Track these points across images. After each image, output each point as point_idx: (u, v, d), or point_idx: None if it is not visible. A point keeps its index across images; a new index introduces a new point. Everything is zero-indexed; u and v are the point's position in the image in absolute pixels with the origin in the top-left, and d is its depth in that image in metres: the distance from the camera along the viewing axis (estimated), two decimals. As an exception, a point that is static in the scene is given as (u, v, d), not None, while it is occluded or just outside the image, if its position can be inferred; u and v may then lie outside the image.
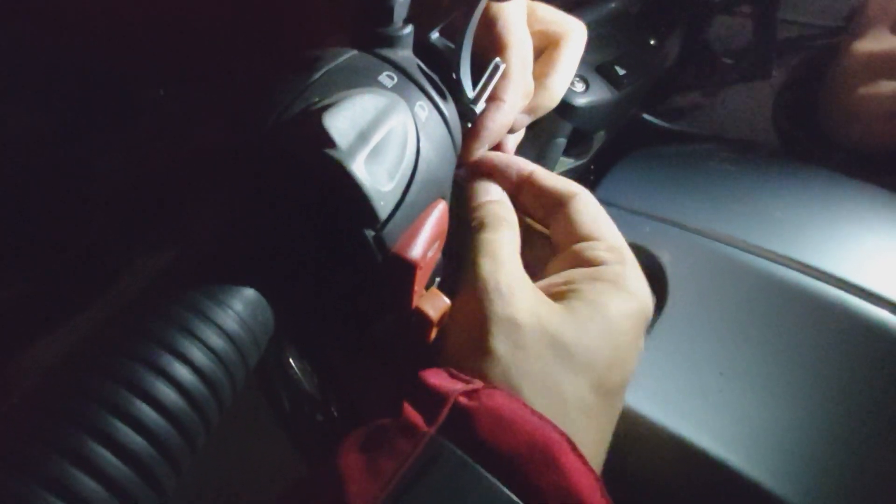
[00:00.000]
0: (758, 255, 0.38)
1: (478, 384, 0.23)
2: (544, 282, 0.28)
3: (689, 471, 0.32)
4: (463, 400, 0.22)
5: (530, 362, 0.24)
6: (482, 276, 0.25)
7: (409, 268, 0.22)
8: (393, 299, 0.23)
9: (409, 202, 0.22)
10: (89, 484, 0.15)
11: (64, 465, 0.15)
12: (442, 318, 0.26)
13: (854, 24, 0.44)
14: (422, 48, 0.27)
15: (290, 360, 0.59)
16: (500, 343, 0.24)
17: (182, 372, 0.17)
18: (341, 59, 0.23)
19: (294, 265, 0.21)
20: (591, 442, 0.24)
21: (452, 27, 0.29)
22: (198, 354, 0.18)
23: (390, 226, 0.21)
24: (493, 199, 0.30)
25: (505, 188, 0.31)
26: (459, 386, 0.23)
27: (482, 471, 0.20)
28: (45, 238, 0.35)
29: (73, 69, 0.34)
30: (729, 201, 0.42)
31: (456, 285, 0.27)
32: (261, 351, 0.20)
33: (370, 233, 0.21)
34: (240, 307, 0.19)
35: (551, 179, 0.31)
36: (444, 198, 0.24)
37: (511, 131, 0.33)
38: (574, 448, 0.22)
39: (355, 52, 0.24)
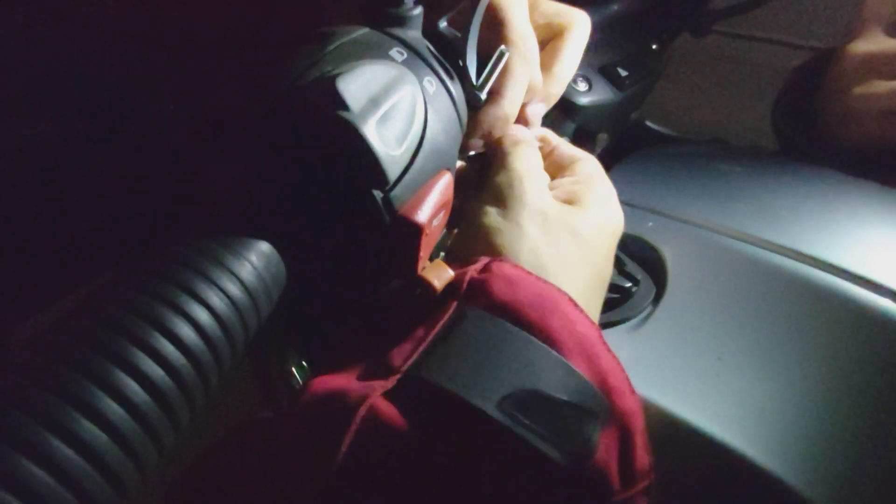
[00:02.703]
0: (756, 246, 0.39)
1: (485, 260, 0.27)
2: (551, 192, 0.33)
3: (687, 451, 0.33)
4: (477, 275, 0.26)
5: (557, 245, 0.29)
6: (518, 171, 0.30)
7: (416, 230, 0.23)
8: (398, 263, 0.24)
9: (417, 168, 0.23)
10: (112, 407, 0.16)
11: (88, 388, 0.16)
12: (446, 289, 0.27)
13: (849, 25, 0.45)
14: (430, 36, 0.29)
15: (294, 370, 0.60)
16: (531, 226, 0.29)
17: (199, 312, 0.18)
18: (354, 35, 0.24)
19: (306, 222, 0.22)
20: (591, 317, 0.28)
21: (460, 17, 0.30)
22: (214, 298, 0.19)
23: (398, 189, 0.22)
24: (529, 137, 0.34)
25: None
26: (472, 267, 0.26)
27: (501, 320, 0.24)
28: (55, 255, 0.36)
29: (86, 80, 0.36)
30: (729, 196, 0.43)
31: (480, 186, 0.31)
32: (272, 304, 0.21)
33: (378, 193, 0.22)
34: (254, 258, 0.20)
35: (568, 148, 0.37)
36: (449, 170, 0.26)
37: (529, 124, 0.35)
38: (576, 304, 0.26)
39: (367, 29, 0.25)
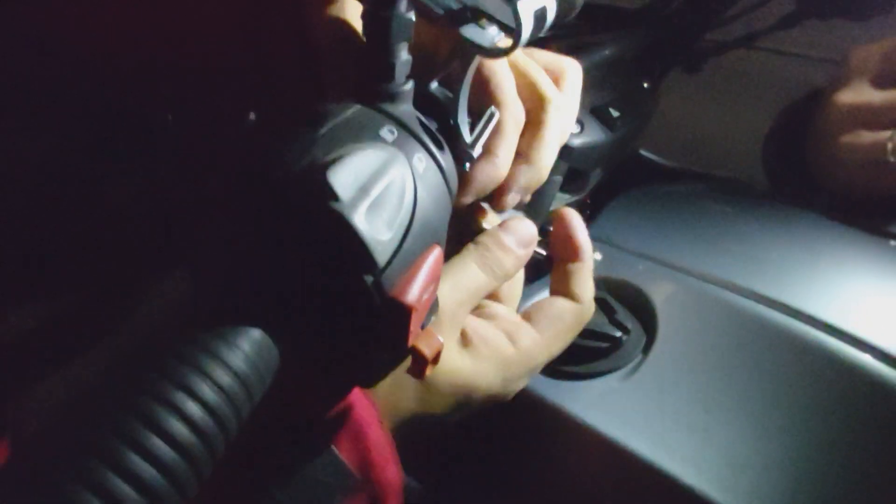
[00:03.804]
0: (746, 297, 0.39)
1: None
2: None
3: (673, 505, 0.33)
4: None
5: (430, 395, 0.30)
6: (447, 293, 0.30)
7: (406, 311, 0.23)
8: (390, 340, 0.25)
9: (406, 249, 0.23)
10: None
11: (80, 492, 0.16)
12: (436, 356, 0.27)
13: (836, 75, 0.46)
14: (422, 97, 0.29)
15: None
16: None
17: (193, 408, 0.19)
18: (346, 115, 0.25)
19: (298, 308, 0.22)
20: None
21: (450, 78, 0.31)
22: (208, 392, 0.19)
23: (388, 272, 0.23)
24: (522, 250, 0.33)
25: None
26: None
27: None
28: (56, 266, 0.36)
29: (86, 95, 0.36)
30: (719, 243, 0.44)
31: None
32: (265, 387, 0.22)
33: (369, 278, 0.22)
34: (247, 347, 0.21)
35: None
36: (439, 243, 0.26)
37: (502, 209, 0.34)
38: (365, 395, 0.28)
39: (359, 106, 0.25)
